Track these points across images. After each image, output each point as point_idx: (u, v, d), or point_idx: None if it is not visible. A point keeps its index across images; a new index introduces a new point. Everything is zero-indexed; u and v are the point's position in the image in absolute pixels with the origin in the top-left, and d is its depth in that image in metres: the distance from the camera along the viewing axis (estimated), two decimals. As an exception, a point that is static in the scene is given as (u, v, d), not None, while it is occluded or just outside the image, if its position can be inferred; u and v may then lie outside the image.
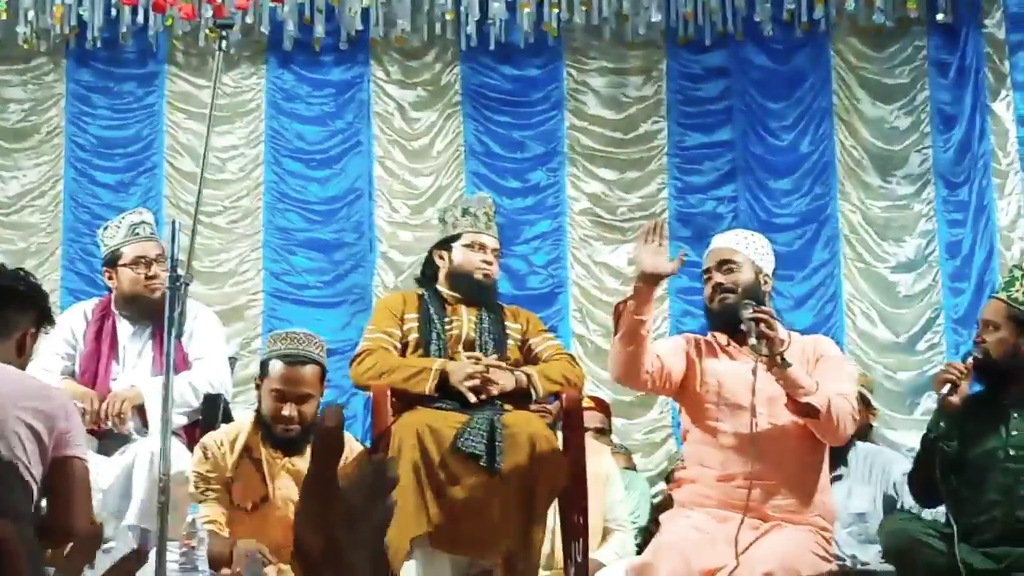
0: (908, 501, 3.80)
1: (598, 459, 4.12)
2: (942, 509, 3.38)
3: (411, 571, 3.22)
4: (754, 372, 3.11)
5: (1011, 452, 3.27)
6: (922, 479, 3.36)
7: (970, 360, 3.31)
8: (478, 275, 3.65)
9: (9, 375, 2.68)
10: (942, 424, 3.28)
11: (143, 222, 3.91)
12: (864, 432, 4.34)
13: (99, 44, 6.94)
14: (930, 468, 3.26)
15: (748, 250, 3.30)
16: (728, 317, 3.22)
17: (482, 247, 3.67)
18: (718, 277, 3.26)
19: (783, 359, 3.04)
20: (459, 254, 3.67)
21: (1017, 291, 3.34)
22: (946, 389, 3.25)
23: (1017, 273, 3.42)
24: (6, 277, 2.75)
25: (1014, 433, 3.29)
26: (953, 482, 3.28)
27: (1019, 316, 3.31)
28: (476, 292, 3.64)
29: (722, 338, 3.29)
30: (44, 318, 2.80)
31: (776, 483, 3.10)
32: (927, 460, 3.30)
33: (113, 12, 6.84)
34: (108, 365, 3.79)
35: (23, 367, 2.79)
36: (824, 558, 3.08)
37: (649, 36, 7.00)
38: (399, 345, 3.59)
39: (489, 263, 3.66)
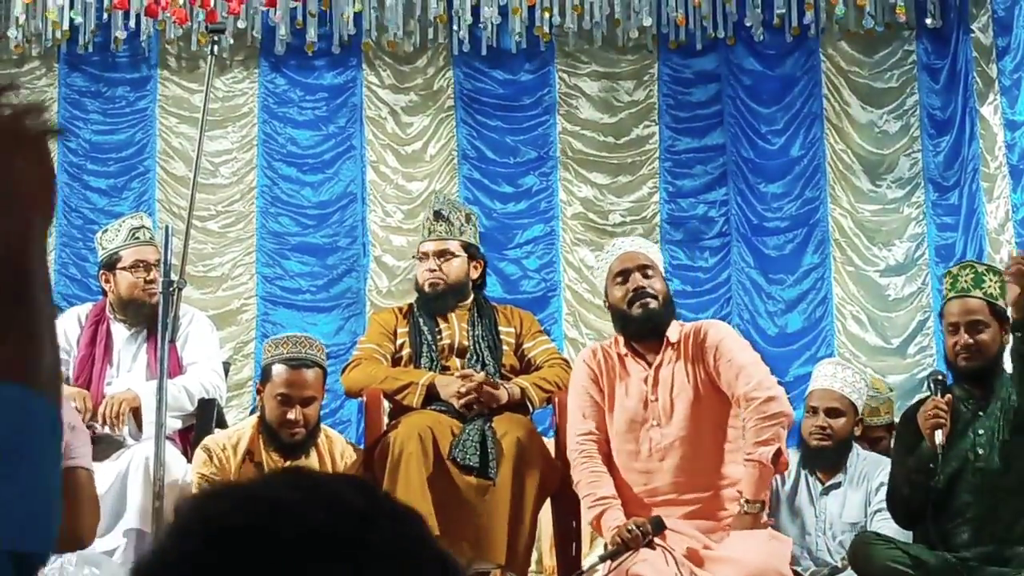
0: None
1: None
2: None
3: None
4: (646, 381, 3.15)
5: (979, 452, 3.27)
6: (911, 509, 3.30)
7: (948, 397, 3.26)
8: (427, 287, 3.69)
9: None
10: (932, 466, 3.22)
11: (143, 227, 3.92)
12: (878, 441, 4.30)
13: (91, 49, 6.95)
14: (924, 507, 3.22)
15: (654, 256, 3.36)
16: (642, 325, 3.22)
17: (424, 255, 3.72)
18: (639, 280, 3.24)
19: (756, 507, 3.06)
20: (417, 270, 3.75)
21: (990, 287, 3.32)
22: (939, 437, 3.20)
23: (980, 268, 3.39)
24: None
25: (980, 432, 3.29)
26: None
27: (1001, 312, 3.29)
28: (430, 304, 3.67)
29: (622, 346, 3.26)
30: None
31: (696, 484, 3.13)
32: (917, 498, 3.25)
33: (105, 16, 6.84)
34: (102, 370, 3.79)
35: None
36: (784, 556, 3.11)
37: (640, 40, 7.03)
38: (390, 358, 3.62)
39: (433, 269, 3.67)
